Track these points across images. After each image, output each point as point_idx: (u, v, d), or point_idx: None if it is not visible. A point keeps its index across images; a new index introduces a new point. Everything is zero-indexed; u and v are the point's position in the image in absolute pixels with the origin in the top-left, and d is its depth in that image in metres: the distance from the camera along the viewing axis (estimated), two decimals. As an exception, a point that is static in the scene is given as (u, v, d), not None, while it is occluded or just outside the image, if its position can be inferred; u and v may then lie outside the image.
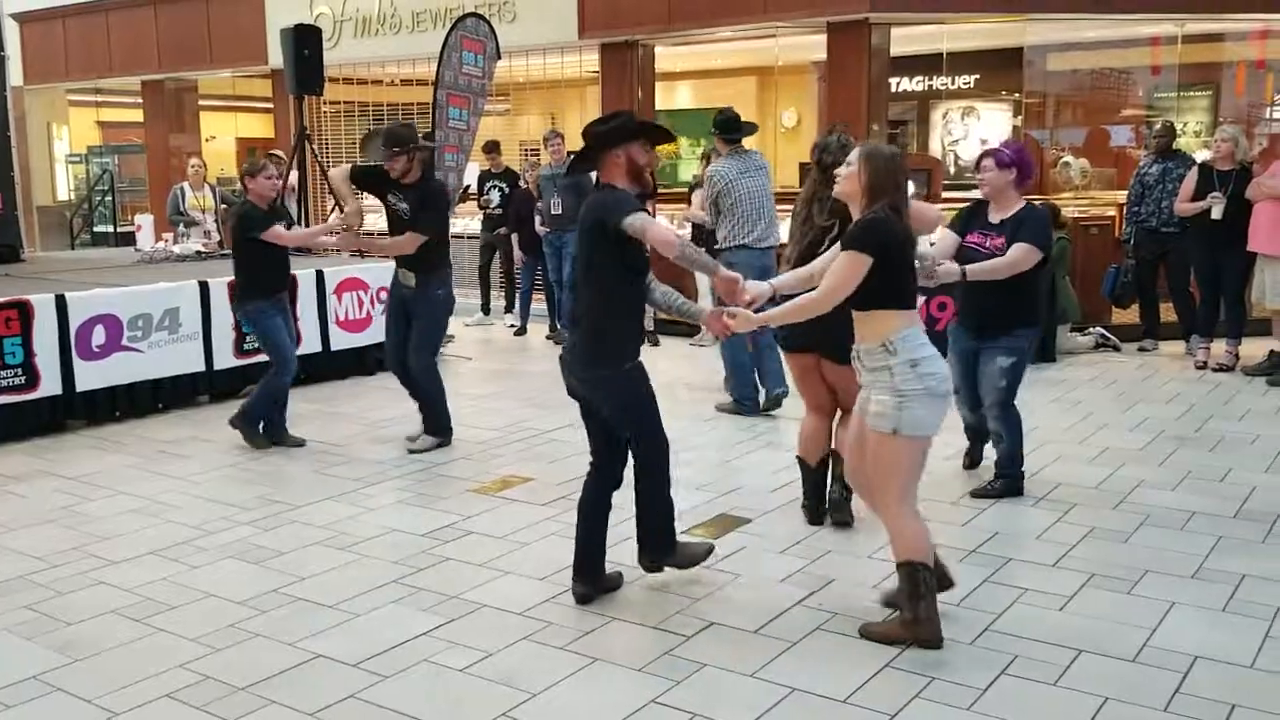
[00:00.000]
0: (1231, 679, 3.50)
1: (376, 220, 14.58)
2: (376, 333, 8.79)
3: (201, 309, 7.54)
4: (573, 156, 4.25)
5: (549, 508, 5.29)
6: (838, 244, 3.84)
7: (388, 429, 6.91)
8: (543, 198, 10.03)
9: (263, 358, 7.78)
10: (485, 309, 11.44)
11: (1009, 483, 5.37)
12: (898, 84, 13.06)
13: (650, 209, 6.92)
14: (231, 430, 6.48)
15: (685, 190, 10.47)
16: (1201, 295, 8.60)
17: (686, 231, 9.48)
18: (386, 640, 3.85)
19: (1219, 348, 8.40)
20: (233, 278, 6.73)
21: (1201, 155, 9.58)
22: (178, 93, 16.36)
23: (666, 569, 4.31)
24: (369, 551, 4.76)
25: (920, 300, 4.05)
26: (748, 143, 7.30)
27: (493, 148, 10.90)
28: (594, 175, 4.26)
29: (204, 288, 7.56)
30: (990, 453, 5.65)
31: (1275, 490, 5.42)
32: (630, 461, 4.19)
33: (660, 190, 10.70)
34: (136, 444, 6.66)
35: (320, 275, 8.37)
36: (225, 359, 7.68)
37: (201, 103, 16.77)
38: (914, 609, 3.71)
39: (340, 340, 8.54)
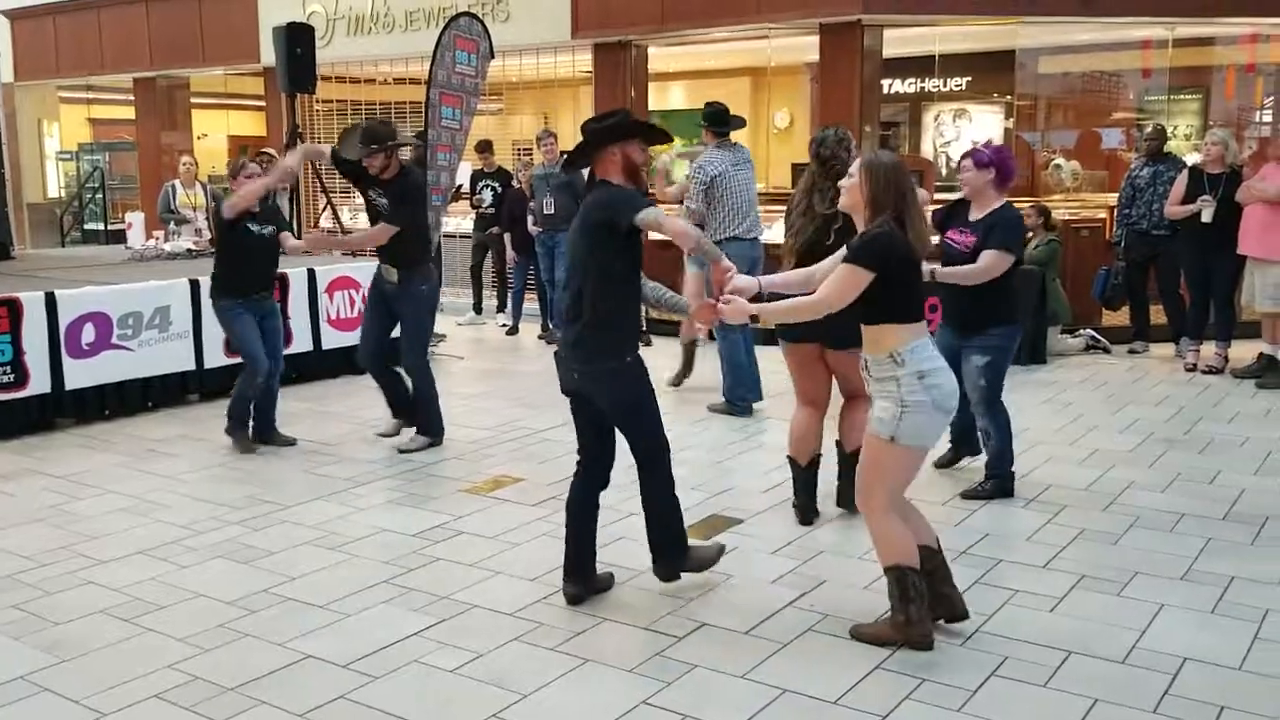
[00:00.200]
0: (1220, 680, 3.51)
1: (357, 217, 14.63)
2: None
3: (192, 307, 7.51)
4: (568, 153, 4.24)
5: (540, 508, 5.29)
6: (841, 250, 3.84)
7: (379, 428, 6.89)
8: (535, 197, 10.03)
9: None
10: (477, 308, 11.43)
11: (999, 483, 5.38)
12: (890, 86, 13.07)
13: None
14: (222, 431, 6.47)
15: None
16: (1191, 298, 8.63)
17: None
18: (377, 641, 3.84)
19: (1208, 350, 8.43)
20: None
21: (1192, 158, 9.61)
22: (169, 90, 16.30)
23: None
24: (359, 551, 4.75)
25: None
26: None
27: (485, 147, 10.89)
28: (585, 173, 4.26)
29: (195, 286, 7.53)
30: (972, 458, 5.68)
31: (1264, 492, 5.44)
32: (619, 464, 4.18)
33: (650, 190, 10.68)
34: (126, 443, 6.64)
35: (312, 274, 8.35)
36: (215, 358, 7.65)
37: (193, 100, 16.71)
38: (904, 611, 3.71)
39: (332, 339, 8.52)
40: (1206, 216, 8.15)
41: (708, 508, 5.25)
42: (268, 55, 11.75)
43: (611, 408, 4.06)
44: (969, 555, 4.61)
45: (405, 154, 10.55)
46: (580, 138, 4.13)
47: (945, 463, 5.83)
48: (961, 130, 13.07)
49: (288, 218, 10.45)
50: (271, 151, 11.00)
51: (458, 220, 12.44)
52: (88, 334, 7.00)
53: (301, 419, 7.06)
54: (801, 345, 4.95)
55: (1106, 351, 9.22)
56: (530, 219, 10.17)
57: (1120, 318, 9.55)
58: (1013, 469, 5.43)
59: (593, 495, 4.19)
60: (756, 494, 5.48)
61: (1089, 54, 13.19)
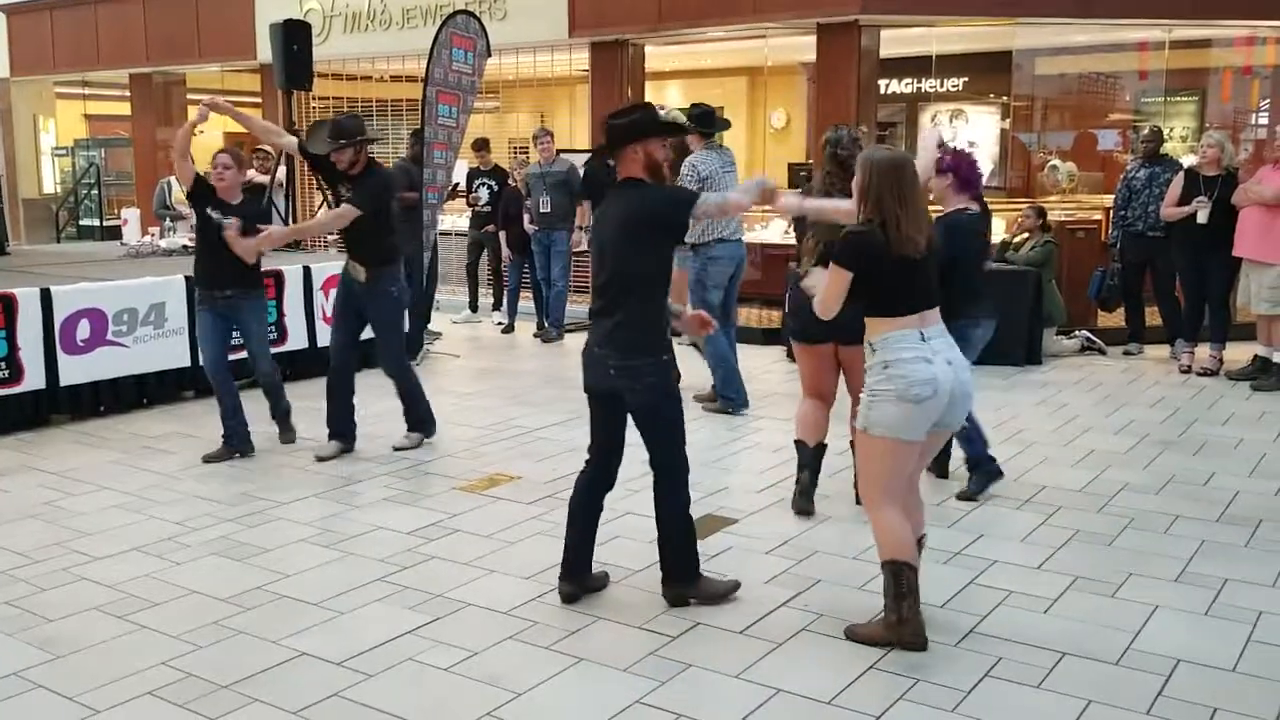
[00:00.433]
0: (1213, 682, 3.52)
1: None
2: (364, 329, 8.77)
3: (187, 304, 7.49)
4: (593, 152, 4.24)
5: (535, 506, 5.28)
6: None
7: (374, 425, 6.88)
8: (532, 196, 10.03)
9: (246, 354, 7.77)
10: (473, 306, 11.42)
11: (983, 475, 5.40)
12: (887, 86, 13.08)
13: None
14: (215, 427, 6.43)
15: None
16: (1186, 300, 8.65)
17: None
18: (371, 639, 3.84)
19: (1203, 352, 8.44)
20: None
21: (1188, 160, 9.63)
22: (165, 86, 16.29)
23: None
24: (354, 549, 4.75)
25: None
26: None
27: (482, 145, 10.87)
28: (582, 170, 4.29)
29: (190, 283, 7.51)
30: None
31: (1258, 495, 5.45)
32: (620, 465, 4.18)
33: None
34: (120, 439, 6.63)
35: (307, 271, 8.34)
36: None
37: (189, 96, 16.68)
38: (897, 609, 3.71)
39: (327, 336, 8.47)
40: (1202, 218, 8.16)
41: (703, 508, 5.24)
42: (264, 52, 11.75)
43: (641, 407, 4.01)
44: (963, 556, 4.61)
45: (401, 152, 10.52)
46: (594, 134, 4.15)
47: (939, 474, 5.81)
48: (958, 131, 13.07)
49: (284, 214, 10.47)
50: (268, 149, 10.98)
51: (453, 218, 12.44)
52: (83, 330, 6.99)
53: (296, 416, 7.00)
54: (818, 347, 5.11)
55: (1102, 353, 9.23)
56: (526, 217, 10.17)
57: (1116, 319, 9.57)
58: (990, 454, 5.42)
59: (598, 498, 4.19)
60: (751, 494, 5.48)
61: (1086, 55, 13.21)
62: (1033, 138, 13.68)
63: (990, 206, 10.90)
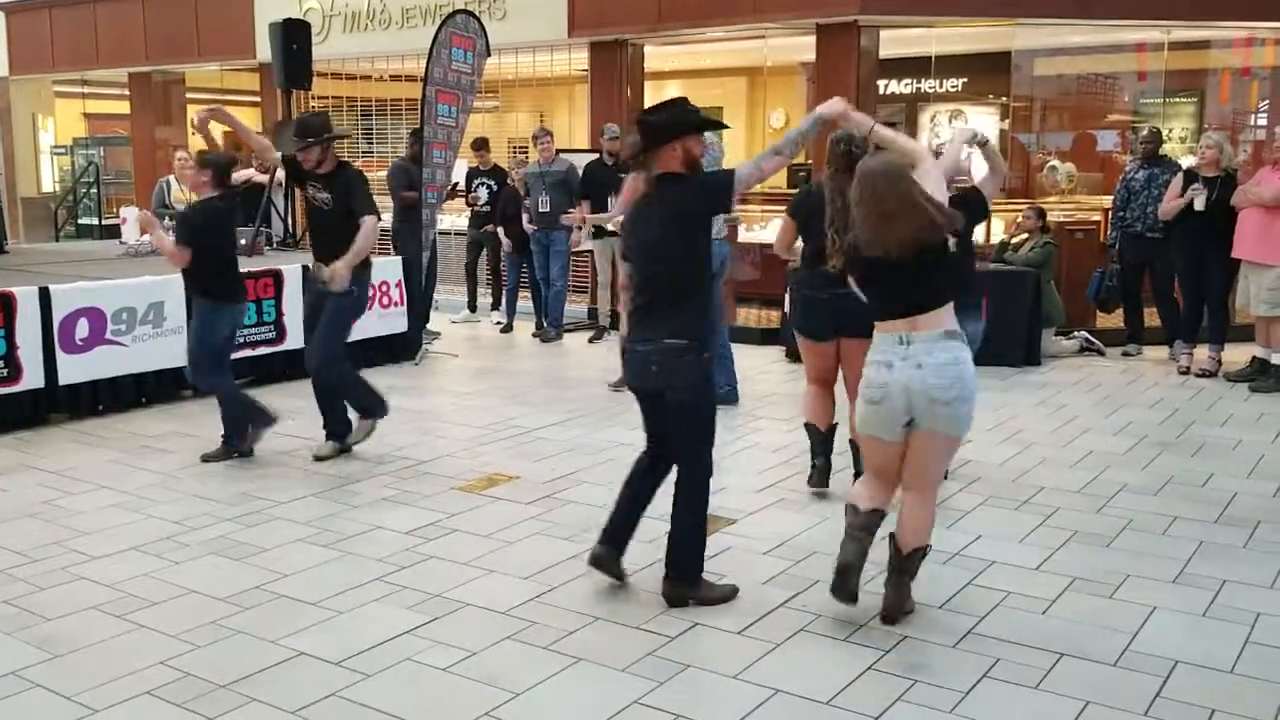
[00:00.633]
0: (1211, 683, 3.52)
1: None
2: (362, 329, 8.72)
3: (186, 303, 7.46)
4: (630, 147, 4.26)
5: (534, 506, 5.28)
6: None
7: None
8: (531, 195, 10.02)
9: (247, 353, 7.78)
10: (472, 306, 11.42)
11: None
12: (886, 86, 13.07)
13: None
14: (214, 426, 6.41)
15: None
16: (1185, 301, 8.66)
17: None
18: (369, 638, 3.84)
19: (1202, 353, 8.45)
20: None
21: (1187, 161, 9.64)
22: (165, 85, 16.28)
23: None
24: (352, 549, 4.75)
25: None
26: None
27: (481, 145, 10.87)
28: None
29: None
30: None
31: (1256, 496, 5.46)
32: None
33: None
34: (119, 438, 6.62)
35: (305, 270, 8.33)
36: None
37: (189, 96, 16.69)
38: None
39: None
40: (1199, 204, 8.18)
41: (701, 507, 5.25)
42: (264, 51, 11.74)
43: (678, 403, 4.03)
44: (962, 557, 4.61)
45: (400, 151, 10.51)
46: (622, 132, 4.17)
47: None
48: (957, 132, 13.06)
49: (283, 214, 10.46)
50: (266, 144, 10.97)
51: (452, 218, 12.43)
52: (82, 329, 6.99)
53: (295, 416, 7.03)
54: (825, 344, 5.35)
55: (1100, 354, 9.24)
56: (525, 217, 10.17)
57: (1114, 320, 9.57)
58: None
59: (656, 482, 4.26)
60: (750, 494, 5.48)
61: (1085, 56, 13.21)
62: (1032, 138, 13.68)
63: (990, 207, 10.94)
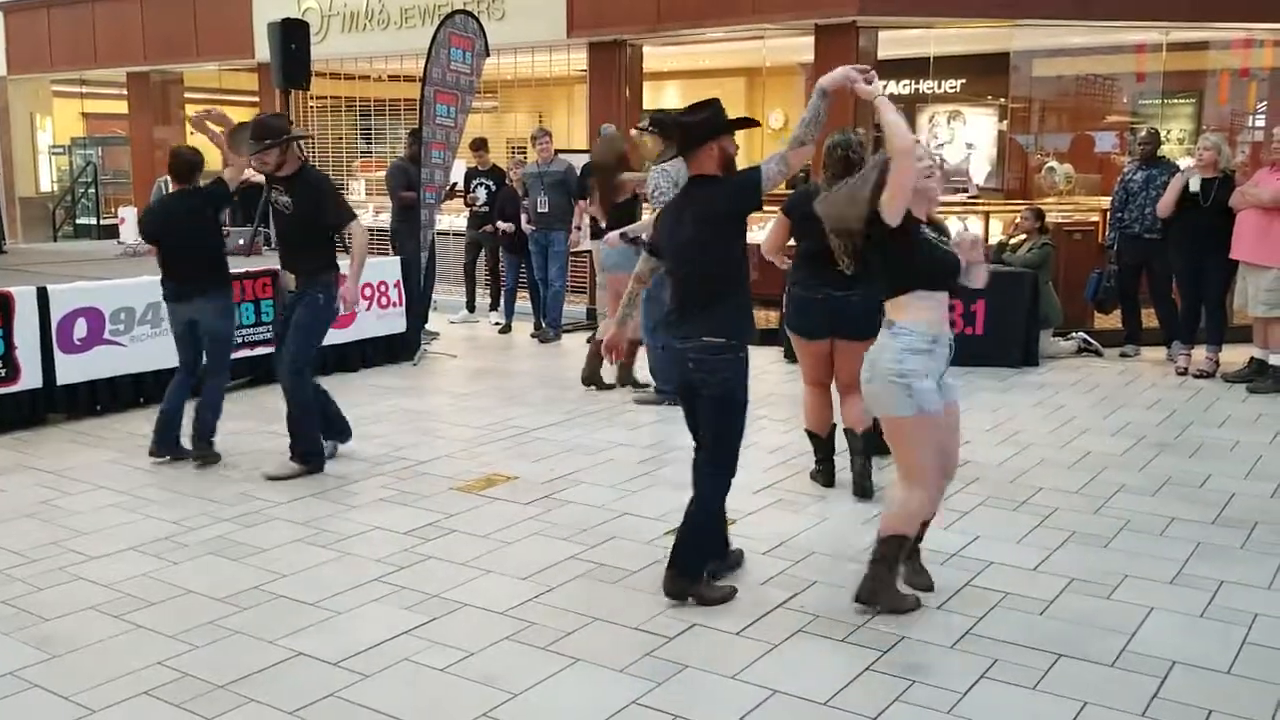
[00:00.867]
0: (1208, 684, 3.52)
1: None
2: (360, 329, 8.80)
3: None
4: (667, 146, 4.31)
5: (532, 506, 5.28)
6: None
7: (371, 426, 6.89)
8: (529, 196, 10.02)
9: (245, 353, 7.77)
10: (470, 306, 11.42)
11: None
12: (885, 87, 13.04)
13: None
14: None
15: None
16: (1183, 302, 8.66)
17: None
18: (367, 639, 3.84)
19: (1200, 354, 8.45)
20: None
21: (1185, 162, 9.65)
22: (163, 85, 16.28)
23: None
24: (350, 549, 4.75)
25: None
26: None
27: (480, 145, 10.88)
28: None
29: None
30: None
31: (1254, 497, 5.46)
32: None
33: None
34: (117, 438, 6.62)
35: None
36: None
37: (187, 95, 16.68)
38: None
39: (328, 337, 8.48)
40: (1195, 185, 8.21)
41: (699, 508, 5.26)
42: (262, 51, 11.72)
43: (713, 398, 4.06)
44: (960, 558, 4.62)
45: (399, 151, 10.50)
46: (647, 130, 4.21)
47: None
48: (956, 132, 13.08)
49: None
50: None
51: (451, 218, 12.44)
52: (80, 329, 6.99)
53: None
54: (819, 343, 5.41)
55: (1098, 354, 9.24)
56: (523, 217, 10.17)
57: (1112, 321, 9.57)
58: None
59: None
60: (748, 494, 5.48)
61: (1083, 57, 13.22)
62: (1030, 139, 13.69)
63: (988, 208, 10.96)
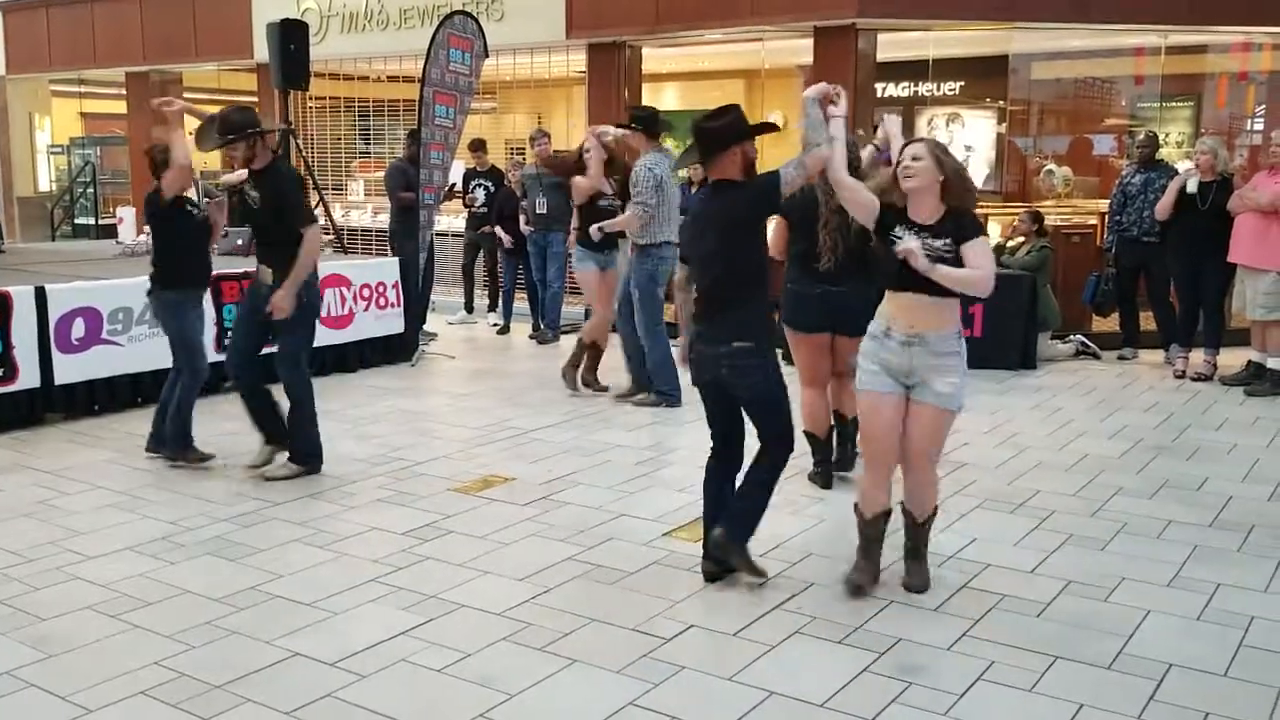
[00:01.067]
0: (1205, 687, 3.52)
1: (349, 213, 14.45)
2: (358, 329, 8.80)
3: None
4: (687, 151, 4.38)
5: (530, 508, 5.28)
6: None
7: (369, 426, 6.89)
8: (528, 197, 10.02)
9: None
10: (469, 307, 11.42)
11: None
12: (883, 89, 13.07)
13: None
14: (210, 427, 6.43)
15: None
16: (1181, 305, 8.67)
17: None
18: (364, 639, 3.84)
19: (1197, 357, 8.46)
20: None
21: (1183, 165, 9.66)
22: (162, 85, 16.24)
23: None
24: (348, 550, 4.75)
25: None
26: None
27: (478, 146, 10.88)
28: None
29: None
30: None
31: (1251, 500, 5.47)
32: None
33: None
34: (115, 438, 6.62)
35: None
36: (206, 353, 7.61)
37: (186, 95, 16.61)
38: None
39: (322, 336, 8.43)
40: (1192, 187, 8.24)
41: (697, 509, 5.22)
42: (261, 51, 11.72)
43: (753, 400, 4.21)
44: (957, 560, 4.62)
45: (398, 152, 10.48)
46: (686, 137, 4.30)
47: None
48: (955, 135, 13.08)
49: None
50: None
51: (449, 219, 12.44)
52: (78, 329, 6.98)
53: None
54: (816, 336, 5.45)
55: (1096, 357, 9.25)
56: (522, 218, 10.17)
57: (1110, 324, 9.58)
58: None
59: (729, 476, 4.37)
60: (746, 496, 5.48)
61: (1082, 60, 13.21)
62: (1029, 142, 13.68)
63: (986, 210, 10.96)
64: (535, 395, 7.83)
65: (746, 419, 4.33)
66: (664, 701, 3.42)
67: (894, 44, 11.37)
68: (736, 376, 4.15)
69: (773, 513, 5.17)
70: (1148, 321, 9.22)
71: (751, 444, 4.36)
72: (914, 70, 12.90)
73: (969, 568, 4.53)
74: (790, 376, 5.09)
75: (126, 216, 11.74)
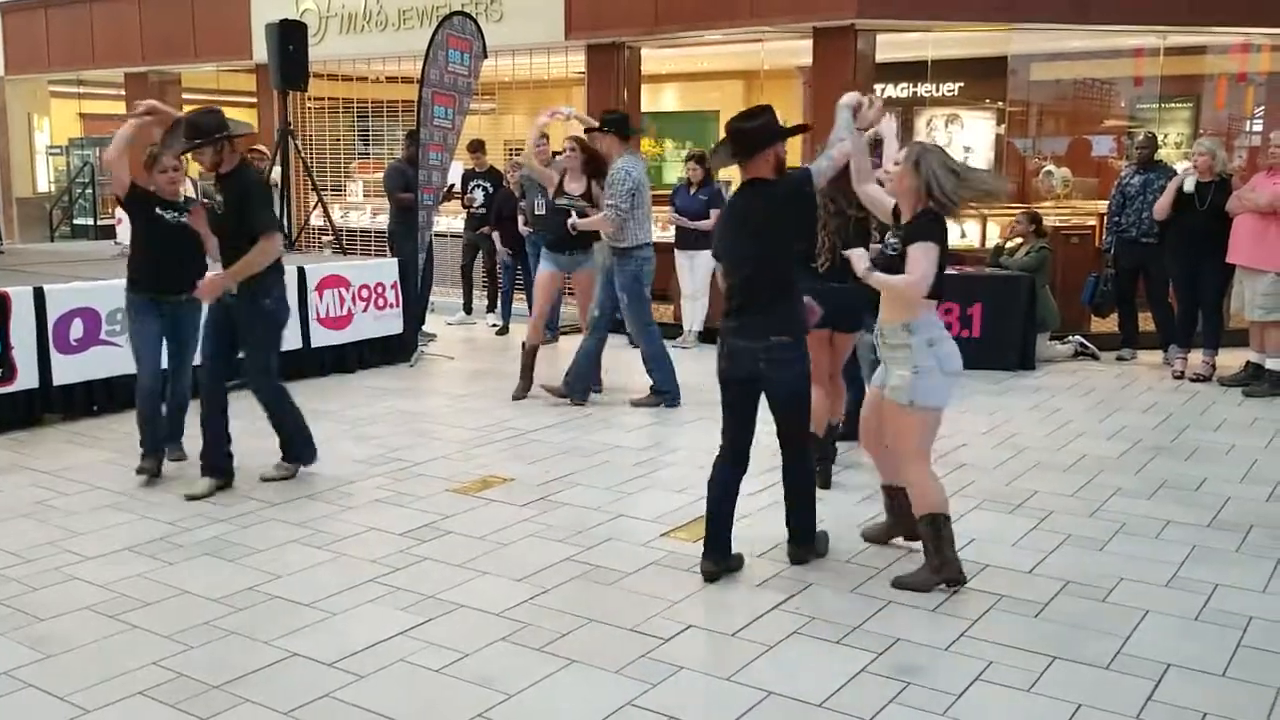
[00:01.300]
0: (1203, 687, 3.52)
1: (348, 214, 14.43)
2: (357, 330, 8.80)
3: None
4: (718, 152, 4.44)
5: (528, 508, 5.28)
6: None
7: (367, 427, 6.89)
8: (527, 198, 10.02)
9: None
10: (467, 308, 11.42)
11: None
12: (882, 90, 13.08)
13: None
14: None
15: (668, 192, 10.48)
16: (1180, 306, 8.68)
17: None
18: (362, 640, 3.83)
19: (1196, 358, 8.47)
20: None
21: (1182, 166, 9.66)
22: (161, 85, 16.25)
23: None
24: (346, 550, 4.74)
25: None
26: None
27: (477, 147, 10.88)
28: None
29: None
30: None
31: (1249, 500, 5.47)
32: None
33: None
34: (113, 439, 6.61)
35: (302, 272, 8.34)
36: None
37: (185, 96, 16.64)
38: (940, 555, 4.18)
39: (321, 337, 8.51)
40: (1189, 187, 8.25)
41: (696, 509, 5.25)
42: (260, 52, 11.73)
43: (786, 394, 4.33)
44: (955, 560, 4.62)
45: (397, 153, 10.47)
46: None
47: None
48: (953, 136, 13.10)
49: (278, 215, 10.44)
50: (263, 149, 10.98)
51: (448, 220, 12.44)
52: (76, 329, 6.98)
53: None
54: (814, 332, 5.40)
55: (1095, 358, 9.25)
56: (520, 219, 10.16)
57: (1109, 324, 9.59)
58: None
59: (736, 480, 4.44)
60: (744, 495, 5.45)
61: (1081, 61, 13.23)
62: (1028, 143, 13.70)
63: (986, 211, 10.97)
64: (534, 395, 7.82)
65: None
66: (662, 701, 3.41)
67: (893, 45, 11.38)
68: (775, 371, 4.24)
69: (772, 512, 5.18)
70: (1146, 322, 9.23)
71: (753, 446, 4.39)
72: (913, 71, 12.92)
73: (968, 568, 4.51)
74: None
75: (125, 217, 11.74)
